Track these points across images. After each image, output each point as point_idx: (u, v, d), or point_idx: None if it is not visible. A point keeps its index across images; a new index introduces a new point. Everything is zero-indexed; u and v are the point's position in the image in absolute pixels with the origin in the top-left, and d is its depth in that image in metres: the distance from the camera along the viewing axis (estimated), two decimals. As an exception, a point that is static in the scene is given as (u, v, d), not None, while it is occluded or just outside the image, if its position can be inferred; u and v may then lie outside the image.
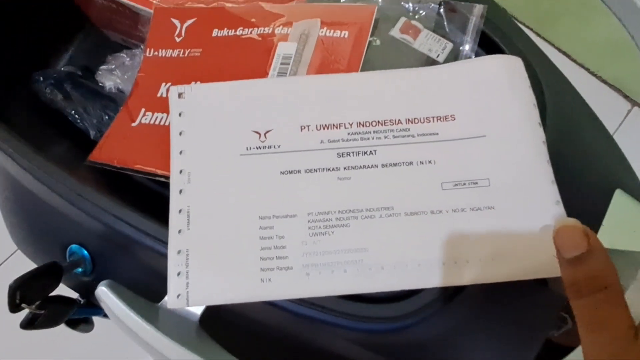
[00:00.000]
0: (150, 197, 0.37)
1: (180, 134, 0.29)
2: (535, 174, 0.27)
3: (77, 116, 0.42)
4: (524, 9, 0.98)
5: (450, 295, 0.28)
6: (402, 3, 0.31)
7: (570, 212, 0.27)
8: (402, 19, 0.32)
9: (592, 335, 0.21)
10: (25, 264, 0.38)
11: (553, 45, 0.99)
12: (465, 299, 0.28)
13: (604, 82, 0.99)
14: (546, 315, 0.33)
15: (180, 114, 0.29)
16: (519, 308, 0.31)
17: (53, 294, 0.32)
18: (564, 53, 0.99)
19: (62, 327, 0.36)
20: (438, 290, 0.27)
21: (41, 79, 0.43)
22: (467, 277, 0.26)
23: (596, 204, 0.31)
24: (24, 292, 0.28)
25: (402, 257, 0.26)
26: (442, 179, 0.28)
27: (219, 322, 0.29)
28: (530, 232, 0.26)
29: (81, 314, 0.36)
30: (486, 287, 0.27)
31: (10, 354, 0.82)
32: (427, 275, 0.26)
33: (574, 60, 0.99)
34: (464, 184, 0.27)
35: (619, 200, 0.33)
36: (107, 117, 0.42)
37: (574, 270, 0.21)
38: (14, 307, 0.28)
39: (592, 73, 0.99)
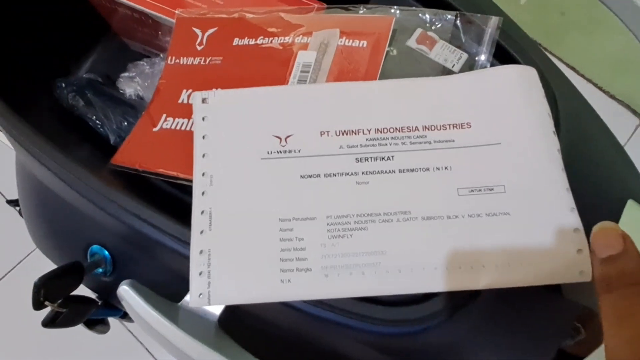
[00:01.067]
0: (169, 201, 0.38)
1: (204, 137, 0.30)
2: (550, 181, 0.28)
3: (98, 122, 0.43)
4: (532, 25, 0.99)
5: (465, 300, 0.28)
6: (419, 15, 0.32)
7: (583, 220, 0.27)
8: (419, 30, 0.33)
9: (616, 330, 0.21)
10: (40, 264, 0.39)
11: (561, 60, 1.00)
12: (480, 304, 0.29)
13: (612, 97, 0.99)
14: (561, 324, 0.33)
15: (203, 119, 0.30)
16: (534, 316, 0.32)
17: (73, 293, 0.33)
18: (572, 68, 1.00)
19: (76, 330, 0.37)
20: (454, 295, 0.27)
21: (64, 85, 0.44)
22: (483, 281, 0.26)
23: (608, 213, 0.32)
24: (48, 290, 0.29)
25: (418, 261, 0.27)
26: (458, 185, 0.28)
27: (237, 322, 0.29)
28: (546, 238, 0.27)
29: (99, 315, 0.36)
30: (501, 293, 0.27)
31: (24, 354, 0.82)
32: (444, 278, 0.27)
33: (582, 75, 1.00)
34: (480, 190, 0.28)
35: (632, 210, 0.34)
36: (126, 123, 0.43)
37: (606, 267, 0.23)
38: (38, 305, 0.28)
39: (600, 88, 1.00)
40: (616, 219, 0.33)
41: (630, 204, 0.34)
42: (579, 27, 1.00)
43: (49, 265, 0.35)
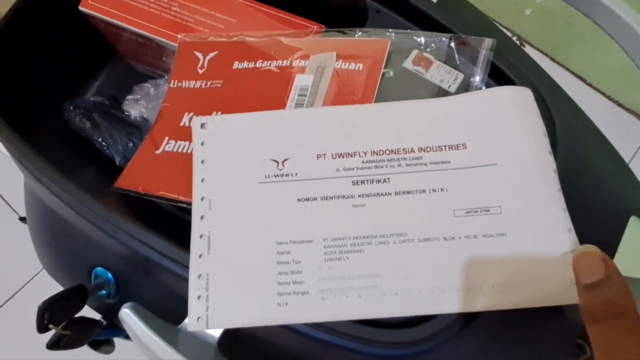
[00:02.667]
0: (172, 222, 0.39)
1: (202, 162, 0.30)
2: (546, 201, 0.28)
3: (104, 143, 0.44)
4: (539, 35, 0.99)
5: (464, 321, 0.28)
6: (414, 37, 0.33)
7: (584, 240, 0.27)
8: (415, 52, 0.33)
9: None
10: (47, 285, 0.40)
11: (568, 70, 1.00)
12: (479, 325, 0.28)
13: (621, 106, 0.98)
14: (562, 343, 0.33)
15: (202, 143, 0.31)
16: (535, 336, 0.31)
17: (77, 315, 0.33)
18: (580, 77, 0.99)
19: (83, 350, 0.38)
20: (452, 317, 0.27)
21: (71, 108, 0.45)
22: (480, 303, 0.26)
23: (610, 231, 0.32)
24: (52, 313, 0.29)
25: (415, 283, 0.27)
26: (454, 206, 0.28)
27: (237, 345, 0.29)
28: (543, 260, 0.26)
29: (103, 335, 0.37)
30: (501, 314, 0.27)
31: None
32: (440, 301, 0.27)
33: (590, 85, 0.99)
34: (476, 211, 0.28)
35: (634, 227, 0.33)
36: (131, 144, 0.44)
37: (590, 296, 0.22)
38: (42, 328, 0.29)
39: (608, 97, 0.99)
40: (618, 237, 0.32)
41: (633, 220, 0.34)
42: (585, 37, 1.00)
43: (55, 286, 0.36)
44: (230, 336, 0.29)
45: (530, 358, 0.32)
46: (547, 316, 0.31)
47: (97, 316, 0.37)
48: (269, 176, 0.29)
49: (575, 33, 1.00)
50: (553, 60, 1.00)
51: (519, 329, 0.31)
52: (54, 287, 0.35)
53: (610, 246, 0.30)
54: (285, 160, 0.30)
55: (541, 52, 0.99)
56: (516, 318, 0.30)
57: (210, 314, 0.26)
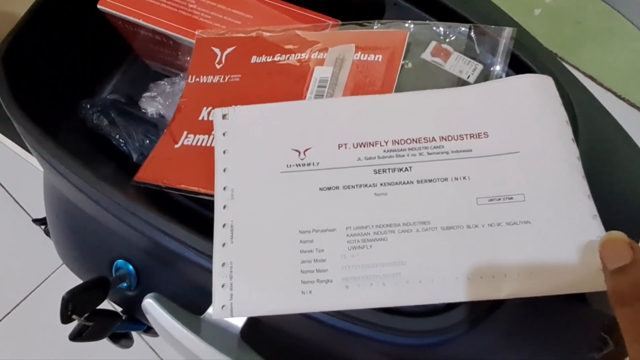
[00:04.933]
0: (190, 216, 0.39)
1: (224, 152, 0.30)
2: (571, 188, 0.27)
3: (121, 140, 0.44)
4: (548, 35, 0.99)
5: (488, 310, 0.28)
6: (433, 28, 0.33)
7: (608, 226, 0.27)
8: (433, 43, 0.33)
9: (636, 345, 0.21)
10: (60, 285, 0.40)
11: (578, 69, 0.99)
12: (503, 314, 0.28)
13: (633, 105, 0.98)
14: (586, 336, 0.33)
15: (224, 134, 0.31)
16: (559, 326, 0.31)
17: (98, 307, 0.33)
18: (590, 77, 0.99)
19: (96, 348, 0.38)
20: (477, 305, 0.27)
21: (88, 106, 0.45)
22: (505, 291, 0.26)
23: (632, 220, 0.31)
24: (75, 303, 0.30)
25: (439, 271, 0.27)
26: (477, 194, 0.28)
27: (259, 334, 0.29)
28: (569, 246, 0.26)
29: (123, 329, 0.37)
30: (525, 303, 0.27)
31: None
32: (465, 288, 0.26)
33: (601, 84, 0.98)
34: (499, 199, 0.28)
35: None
36: (148, 141, 0.44)
37: (618, 280, 0.22)
38: (65, 318, 0.29)
39: (619, 97, 0.98)
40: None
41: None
42: (595, 36, 0.99)
43: (72, 283, 0.36)
44: (253, 326, 0.29)
45: (553, 349, 0.31)
46: (571, 307, 0.31)
47: (117, 310, 0.37)
48: (290, 165, 0.29)
49: (585, 32, 1.00)
50: (563, 60, 1.00)
51: (542, 319, 0.31)
52: (67, 289, 0.35)
53: (634, 231, 0.30)
54: (306, 149, 0.30)
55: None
56: (539, 309, 0.30)
57: (234, 302, 0.26)
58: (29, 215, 0.94)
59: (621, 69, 0.98)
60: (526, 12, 1.00)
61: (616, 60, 0.98)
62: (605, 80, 0.98)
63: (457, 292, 0.26)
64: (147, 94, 0.46)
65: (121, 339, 0.38)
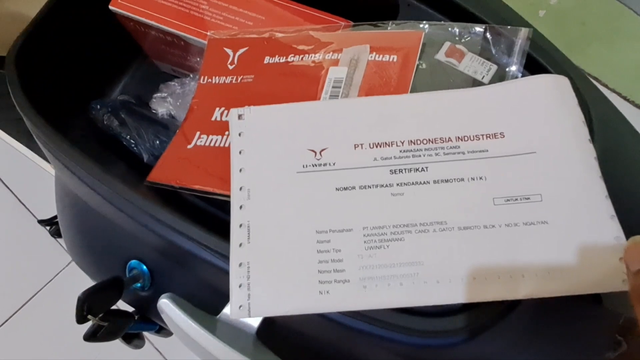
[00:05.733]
0: (201, 216, 0.39)
1: (240, 152, 0.30)
2: (588, 189, 0.27)
3: (132, 141, 0.44)
4: (553, 36, 0.99)
5: (504, 310, 0.28)
6: (449, 29, 0.33)
7: (623, 228, 0.27)
8: (447, 43, 0.33)
9: None
10: (65, 287, 0.39)
11: (584, 71, 0.99)
12: (520, 315, 0.28)
13: (638, 106, 0.98)
14: (602, 336, 0.33)
15: (240, 134, 0.31)
16: (575, 327, 0.31)
17: (112, 308, 0.33)
18: (596, 79, 0.99)
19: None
20: (494, 305, 0.27)
21: (99, 107, 0.45)
22: (522, 291, 0.26)
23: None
24: (90, 304, 0.30)
25: (456, 271, 0.27)
26: (494, 195, 0.28)
27: (275, 334, 0.29)
28: (587, 247, 0.26)
29: (135, 329, 0.37)
30: (540, 304, 0.27)
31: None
32: (482, 289, 0.26)
33: (606, 86, 0.98)
34: (516, 199, 0.28)
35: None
36: (159, 142, 0.44)
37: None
38: (81, 318, 0.29)
39: (624, 98, 0.98)
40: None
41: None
42: (600, 37, 0.99)
43: (77, 285, 0.36)
44: (269, 326, 0.29)
45: (570, 349, 0.31)
46: (586, 308, 0.31)
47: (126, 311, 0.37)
48: (306, 166, 0.29)
49: (590, 34, 1.00)
50: (568, 61, 1.00)
51: (558, 320, 0.31)
52: (72, 290, 0.35)
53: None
54: (322, 150, 0.30)
55: (556, 53, 0.99)
56: (555, 309, 0.29)
57: (252, 302, 0.26)
58: (34, 216, 0.94)
59: (627, 70, 0.98)
60: (531, 14, 1.00)
61: (621, 61, 0.98)
62: (611, 82, 0.98)
63: (474, 293, 0.26)
64: (158, 94, 0.46)
65: (133, 339, 0.38)
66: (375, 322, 0.27)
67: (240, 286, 0.27)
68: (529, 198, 0.28)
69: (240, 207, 0.29)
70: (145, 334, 0.40)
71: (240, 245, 0.28)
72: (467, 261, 0.27)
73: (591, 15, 1.00)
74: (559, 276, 0.26)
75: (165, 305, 0.29)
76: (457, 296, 0.26)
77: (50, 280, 0.90)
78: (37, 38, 0.41)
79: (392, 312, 0.27)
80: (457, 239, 0.27)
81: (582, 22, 1.01)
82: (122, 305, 0.37)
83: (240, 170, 0.30)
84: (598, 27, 1.00)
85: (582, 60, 0.99)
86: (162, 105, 0.46)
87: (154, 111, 0.46)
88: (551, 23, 1.01)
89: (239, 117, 0.31)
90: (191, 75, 0.46)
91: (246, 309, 0.26)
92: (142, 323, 0.36)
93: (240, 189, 0.29)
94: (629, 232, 0.26)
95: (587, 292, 0.26)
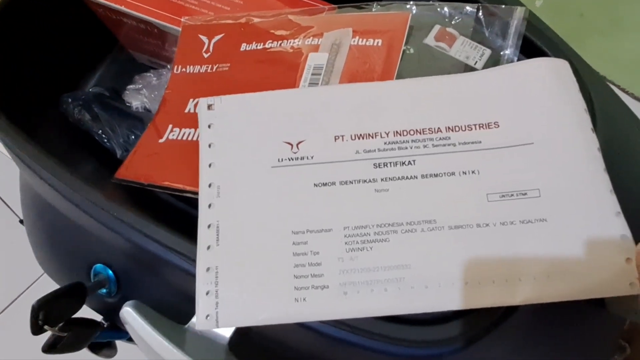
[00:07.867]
0: (176, 216, 0.36)
1: (210, 146, 0.28)
2: (591, 183, 0.25)
3: (104, 136, 0.42)
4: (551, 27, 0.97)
5: (501, 317, 0.25)
6: (437, 9, 0.30)
7: (630, 226, 0.24)
8: (437, 26, 0.31)
9: None
10: (54, 285, 0.37)
11: (581, 63, 0.98)
12: (517, 321, 0.26)
13: (636, 98, 0.96)
14: (605, 340, 0.30)
15: (209, 126, 0.28)
16: (576, 332, 0.29)
17: (76, 316, 0.31)
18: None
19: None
20: (488, 312, 0.25)
21: (70, 100, 0.43)
22: (520, 296, 0.24)
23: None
24: (47, 313, 0.27)
25: (447, 275, 0.24)
26: (488, 190, 0.26)
27: (250, 345, 0.27)
28: (590, 247, 0.24)
29: (104, 338, 0.34)
30: (540, 309, 0.24)
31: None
32: (475, 294, 0.24)
33: (604, 77, 0.97)
34: (512, 194, 0.25)
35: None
36: (133, 137, 0.42)
37: None
38: (36, 329, 0.27)
39: (623, 90, 0.97)
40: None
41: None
42: (598, 29, 0.97)
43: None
44: (243, 336, 0.27)
45: (570, 355, 0.29)
46: (588, 313, 0.29)
47: (96, 318, 0.35)
48: (282, 160, 0.27)
49: (588, 25, 0.98)
50: (565, 53, 0.98)
51: (559, 326, 0.29)
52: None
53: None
54: (300, 142, 0.27)
55: (553, 45, 0.97)
56: (556, 314, 0.27)
57: (220, 311, 0.24)
58: (17, 215, 0.91)
59: (626, 62, 0.96)
60: (527, 3, 0.98)
61: (621, 52, 0.96)
62: (609, 74, 0.97)
63: (466, 299, 0.24)
64: (132, 86, 0.44)
65: (103, 348, 0.35)
66: (358, 331, 0.25)
67: (207, 293, 0.24)
68: (526, 193, 0.25)
69: (209, 205, 0.26)
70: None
71: (209, 247, 0.25)
72: (459, 264, 0.24)
73: (590, 5, 0.98)
74: (559, 279, 0.24)
75: (128, 314, 0.26)
76: (447, 302, 0.24)
77: (33, 284, 0.88)
78: (3, 26, 0.39)
79: (377, 320, 0.25)
80: (447, 240, 0.25)
81: (581, 13, 0.99)
82: (90, 313, 0.35)
83: (210, 165, 0.27)
84: (597, 18, 0.98)
85: (580, 52, 0.96)
86: (137, 97, 0.44)
87: (128, 104, 0.44)
88: (548, 13, 0.99)
89: (209, 107, 0.29)
90: (168, 66, 0.44)
91: (214, 318, 0.24)
92: (111, 331, 0.34)
93: (210, 185, 0.27)
94: (637, 231, 0.24)
95: (591, 296, 0.24)
